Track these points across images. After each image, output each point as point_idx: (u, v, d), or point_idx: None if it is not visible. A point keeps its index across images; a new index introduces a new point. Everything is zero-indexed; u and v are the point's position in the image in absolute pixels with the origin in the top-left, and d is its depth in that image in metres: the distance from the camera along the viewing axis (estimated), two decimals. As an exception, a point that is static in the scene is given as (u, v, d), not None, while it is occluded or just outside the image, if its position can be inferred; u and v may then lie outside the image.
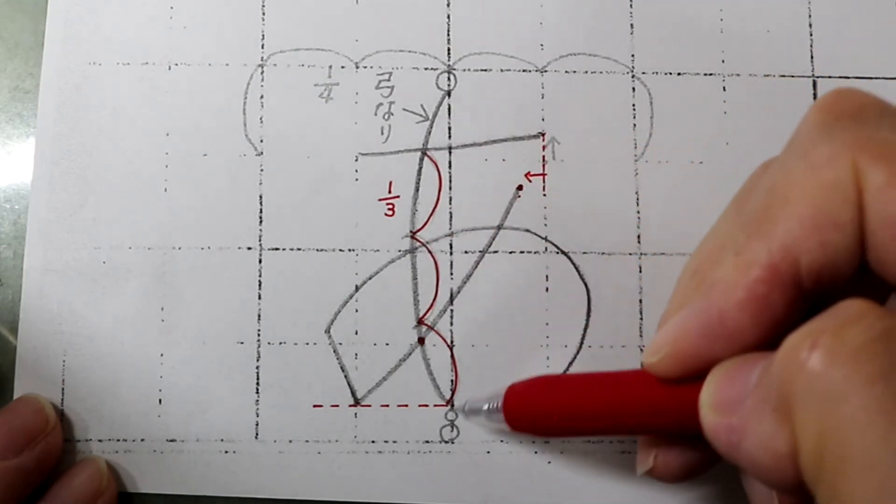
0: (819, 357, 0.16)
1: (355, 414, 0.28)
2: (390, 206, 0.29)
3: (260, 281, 0.29)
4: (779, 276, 0.19)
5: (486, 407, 0.26)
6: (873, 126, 0.19)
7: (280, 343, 0.29)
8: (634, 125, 0.30)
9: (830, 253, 0.19)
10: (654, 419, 0.22)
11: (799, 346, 0.17)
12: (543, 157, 0.30)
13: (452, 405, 0.29)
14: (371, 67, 0.30)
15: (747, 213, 0.20)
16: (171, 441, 0.28)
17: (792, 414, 0.17)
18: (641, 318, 0.29)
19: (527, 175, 0.30)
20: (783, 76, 0.31)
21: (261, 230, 0.29)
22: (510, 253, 0.29)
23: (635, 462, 0.28)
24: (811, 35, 0.31)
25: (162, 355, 0.28)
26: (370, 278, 0.29)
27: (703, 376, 0.20)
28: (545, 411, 0.24)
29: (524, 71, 0.30)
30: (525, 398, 0.25)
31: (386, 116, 0.30)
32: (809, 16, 0.31)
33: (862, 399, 0.16)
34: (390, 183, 0.30)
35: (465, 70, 0.30)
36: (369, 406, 0.29)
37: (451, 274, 0.29)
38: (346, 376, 0.29)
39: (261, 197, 0.29)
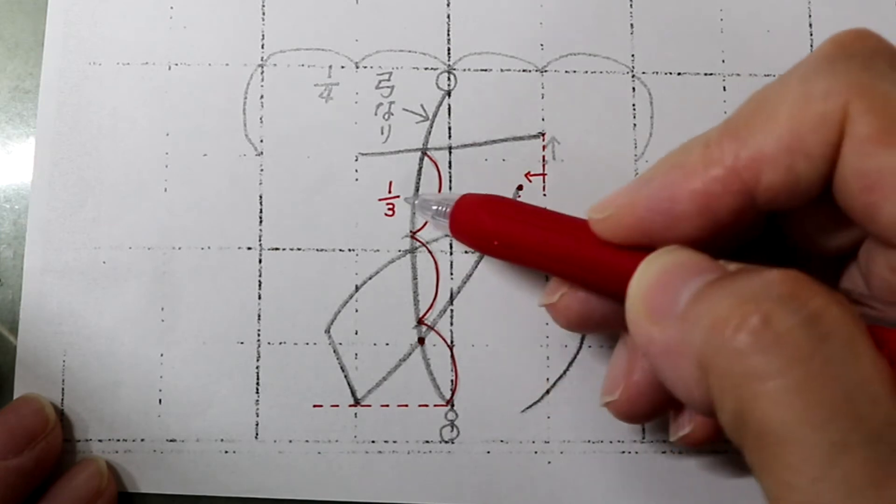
0: (744, 338, 0.17)
1: (355, 414, 0.28)
2: (390, 206, 0.29)
3: (260, 281, 0.29)
4: (736, 181, 0.19)
5: (434, 208, 0.27)
6: (878, 74, 0.19)
7: (280, 343, 0.29)
8: (634, 125, 0.30)
9: (793, 179, 0.19)
10: (583, 272, 0.23)
11: (726, 320, 0.17)
12: (543, 157, 0.30)
13: (452, 405, 0.29)
14: (371, 67, 0.30)
15: (732, 116, 0.20)
16: (171, 441, 0.28)
17: (712, 379, 0.17)
18: (641, 318, 0.29)
19: (527, 175, 0.30)
20: (783, 76, 0.31)
21: (261, 230, 0.29)
22: (510, 253, 0.29)
23: (636, 462, 0.29)
24: (811, 35, 0.31)
25: (162, 355, 0.28)
26: (370, 278, 0.29)
27: (639, 249, 0.21)
28: (488, 232, 0.25)
29: (524, 71, 0.30)
30: (473, 214, 0.26)
31: (386, 116, 0.30)
32: (809, 16, 0.31)
33: (781, 381, 0.16)
34: (390, 183, 0.30)
35: (465, 70, 0.30)
36: (369, 406, 0.29)
37: (451, 274, 0.29)
38: (346, 376, 0.29)
39: (261, 197, 0.29)
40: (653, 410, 0.24)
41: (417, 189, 0.30)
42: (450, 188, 0.30)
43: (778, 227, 0.22)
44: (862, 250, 0.21)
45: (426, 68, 0.30)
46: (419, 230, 0.29)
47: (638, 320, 0.19)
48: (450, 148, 0.30)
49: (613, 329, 0.25)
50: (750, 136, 0.19)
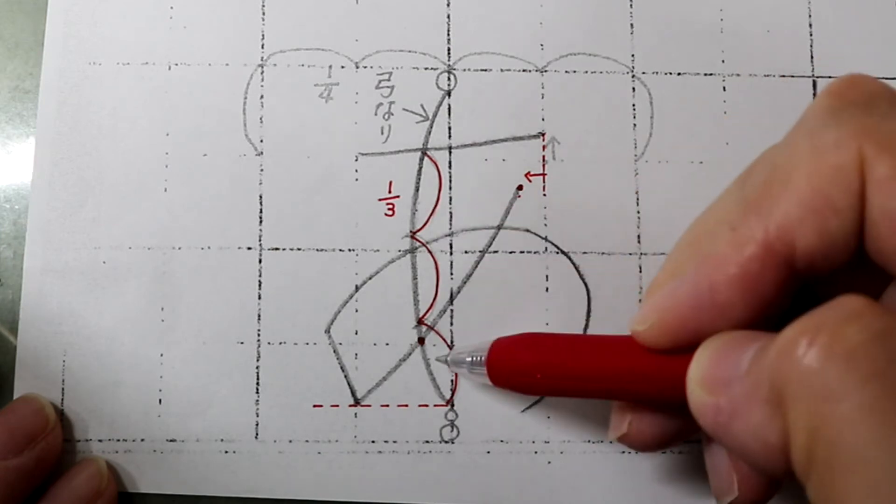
0: (815, 354, 0.16)
1: (355, 414, 0.28)
2: (390, 206, 0.29)
3: (260, 281, 0.29)
4: (773, 255, 0.19)
5: (469, 360, 0.26)
6: (882, 115, 0.19)
7: (280, 343, 0.29)
8: (634, 125, 0.30)
9: (827, 238, 0.19)
10: (637, 386, 0.22)
11: (796, 341, 0.17)
12: (543, 157, 0.30)
13: (452, 405, 0.29)
14: (371, 67, 0.30)
15: (748, 189, 0.20)
16: (171, 441, 0.28)
17: (785, 408, 0.17)
18: (641, 318, 0.29)
19: (527, 175, 0.30)
20: (783, 76, 0.31)
21: (261, 230, 0.29)
22: (510, 253, 0.29)
23: (636, 462, 0.29)
24: (811, 35, 0.31)
25: (162, 355, 0.28)
26: (370, 278, 0.29)
27: (690, 348, 0.20)
28: (529, 369, 0.23)
29: (524, 71, 0.30)
30: (509, 354, 0.24)
31: (386, 116, 0.30)
32: (809, 16, 0.31)
33: (856, 398, 0.15)
34: (390, 183, 0.30)
35: (465, 70, 0.30)
36: (369, 406, 0.29)
37: (451, 274, 0.29)
38: (346, 376, 0.29)
39: (261, 197, 0.29)
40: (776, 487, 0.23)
41: (417, 189, 0.30)
42: (450, 188, 0.30)
43: (811, 295, 0.21)
44: (885, 297, 0.21)
45: (426, 68, 0.30)
46: (419, 230, 0.29)
47: (701, 401, 0.19)
48: (450, 148, 0.30)
49: (694, 435, 0.24)
50: (774, 206, 0.19)
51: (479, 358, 0.26)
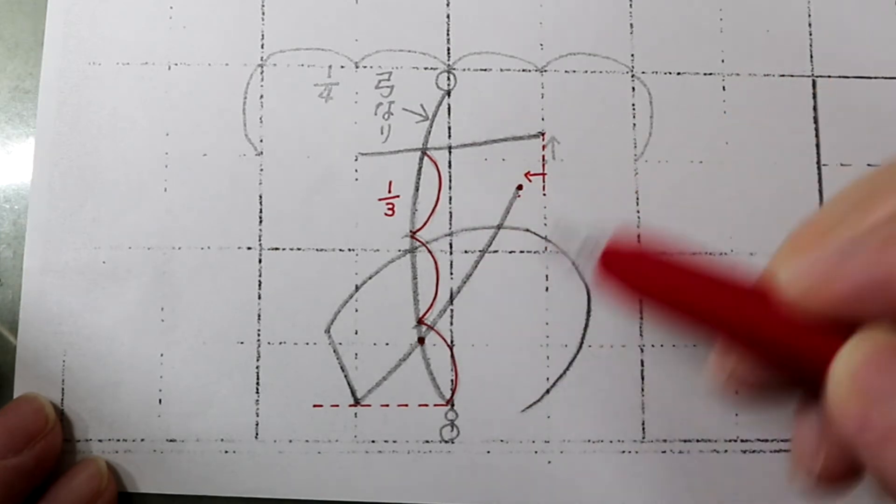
0: None
1: (355, 414, 0.28)
2: (390, 206, 0.29)
3: (260, 281, 0.29)
4: None
5: (580, 244, 0.22)
6: None
7: (280, 343, 0.29)
8: (634, 125, 0.30)
9: None
10: (763, 347, 0.19)
11: None
12: (543, 156, 0.30)
13: (452, 405, 0.29)
14: (371, 67, 0.30)
15: None
16: (171, 441, 0.28)
17: None
18: (641, 318, 0.29)
19: (527, 175, 0.30)
20: (783, 76, 0.31)
21: (261, 230, 0.29)
22: (510, 253, 0.29)
23: (636, 462, 0.28)
24: (811, 35, 0.31)
25: (162, 355, 0.28)
26: (370, 278, 0.29)
27: (836, 325, 0.18)
28: (647, 288, 0.20)
29: (524, 71, 0.30)
30: (633, 265, 0.21)
31: (386, 116, 0.30)
32: (809, 16, 0.31)
33: None
34: (390, 183, 0.30)
35: (464, 70, 0.30)
36: (369, 406, 0.29)
37: (451, 274, 0.29)
38: (346, 376, 0.29)
39: (261, 197, 0.29)
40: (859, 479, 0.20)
41: (417, 189, 0.30)
42: (450, 188, 0.30)
43: None
44: None
45: (426, 68, 0.30)
46: (419, 230, 0.29)
47: (846, 403, 0.17)
48: (450, 147, 0.30)
49: (793, 400, 0.21)
50: None
51: (591, 247, 0.21)
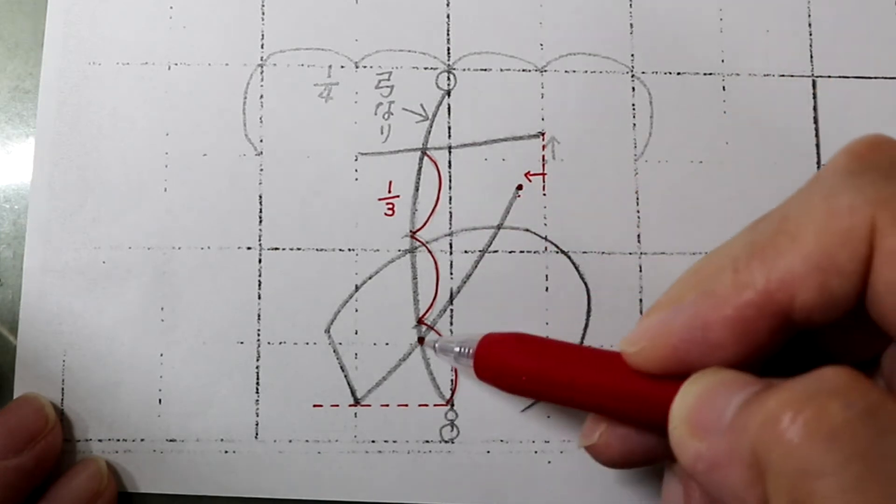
0: (799, 430, 0.16)
1: (355, 414, 0.28)
2: (390, 206, 0.29)
3: (260, 281, 0.29)
4: (771, 304, 0.19)
5: (457, 349, 0.26)
6: None
7: (280, 343, 0.29)
8: (634, 125, 0.30)
9: (827, 296, 0.19)
10: (619, 404, 0.22)
11: (780, 413, 0.17)
12: (543, 156, 0.30)
13: (452, 405, 0.29)
14: (371, 67, 0.30)
15: (756, 234, 0.20)
16: (171, 441, 0.28)
17: (765, 477, 0.17)
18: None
19: (527, 175, 0.30)
20: (783, 76, 0.31)
21: (261, 230, 0.29)
22: (510, 252, 0.29)
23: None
24: (811, 35, 0.31)
25: (162, 355, 0.28)
26: (370, 278, 0.29)
27: (677, 377, 0.20)
28: (515, 370, 0.24)
29: (524, 71, 0.30)
30: (498, 352, 0.24)
31: (386, 116, 0.30)
32: (809, 15, 0.31)
33: (838, 477, 0.16)
34: (390, 183, 0.30)
35: (464, 70, 0.30)
36: (369, 406, 0.29)
37: (451, 274, 0.29)
38: (346, 376, 0.29)
39: (261, 197, 0.29)
40: None
41: (417, 189, 0.30)
42: (450, 188, 0.30)
43: (804, 336, 0.21)
44: (886, 359, 0.21)
45: (426, 68, 0.30)
46: (419, 230, 0.29)
47: (682, 441, 0.19)
48: (449, 147, 0.30)
49: (658, 462, 0.24)
50: (779, 257, 0.19)
51: (467, 350, 0.26)
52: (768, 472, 0.17)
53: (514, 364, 0.24)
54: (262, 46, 0.30)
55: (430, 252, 0.29)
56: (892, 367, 0.21)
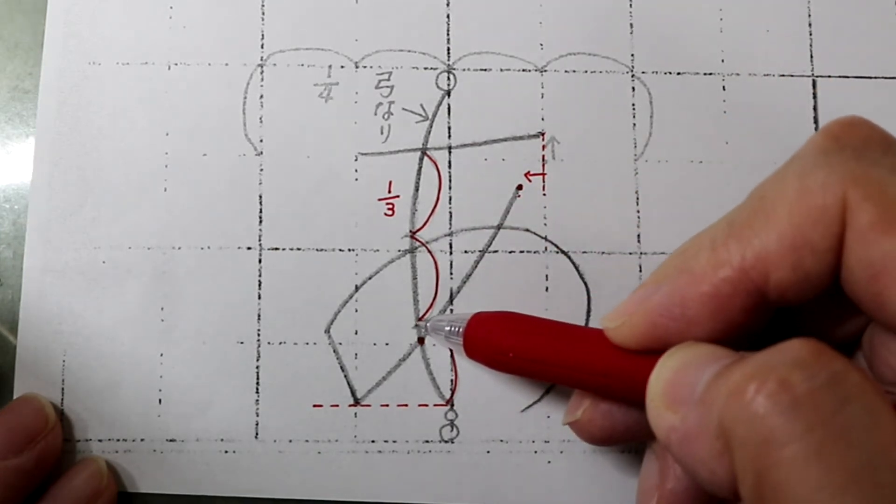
0: (762, 400, 0.16)
1: (355, 414, 0.28)
2: (390, 206, 0.29)
3: (260, 281, 0.29)
4: (745, 281, 0.20)
5: (447, 328, 0.27)
6: (873, 163, 0.19)
7: (280, 343, 0.29)
8: (634, 125, 0.30)
9: (801, 275, 0.19)
10: (601, 379, 0.23)
11: (744, 385, 0.17)
12: (543, 156, 0.30)
13: (452, 405, 0.29)
14: (371, 67, 0.30)
15: (733, 215, 0.21)
16: (171, 441, 0.28)
17: (732, 448, 0.17)
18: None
19: (527, 175, 0.30)
20: (783, 76, 0.31)
21: (261, 230, 0.29)
22: (510, 253, 0.29)
23: (636, 462, 0.28)
24: (811, 35, 0.31)
25: (162, 355, 0.28)
26: (370, 278, 0.29)
27: (656, 351, 0.21)
28: (503, 347, 0.24)
29: (524, 71, 0.30)
30: (487, 330, 0.25)
31: (386, 116, 0.30)
32: (809, 15, 0.31)
33: (801, 445, 0.16)
34: (390, 183, 0.30)
35: (464, 70, 0.30)
36: (369, 406, 0.29)
37: (451, 274, 0.29)
38: (346, 376, 0.29)
39: (261, 197, 0.29)
40: None
41: (417, 189, 0.30)
42: (449, 188, 0.30)
43: (785, 316, 0.22)
44: (865, 337, 0.21)
45: (426, 68, 0.30)
46: (419, 230, 0.29)
47: (658, 414, 0.20)
48: (449, 148, 0.30)
49: (639, 440, 0.25)
50: (753, 235, 0.19)
51: (457, 329, 0.26)
52: (734, 442, 0.17)
53: (501, 341, 0.24)
54: (262, 46, 0.30)
55: (430, 252, 0.29)
56: (872, 345, 0.21)
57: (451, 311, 0.29)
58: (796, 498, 0.16)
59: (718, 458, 0.18)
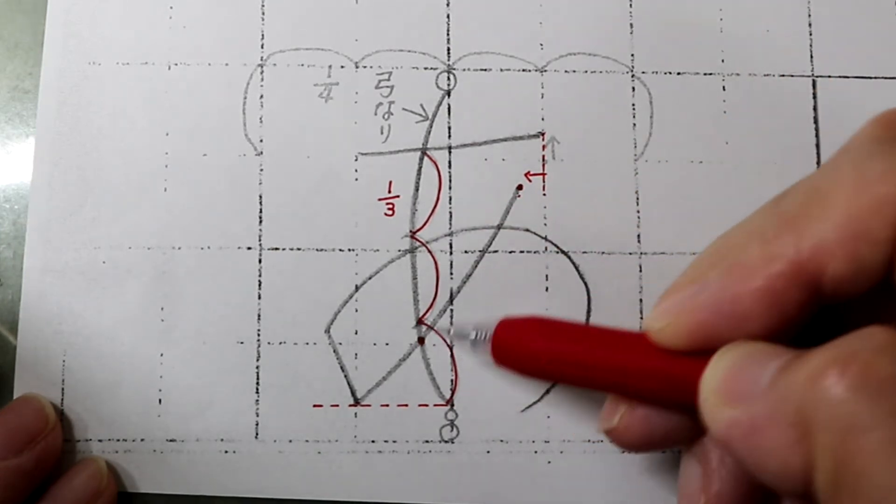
0: (846, 384, 0.16)
1: (355, 414, 0.28)
2: (390, 206, 0.29)
3: (260, 281, 0.29)
4: (801, 274, 0.19)
5: (473, 336, 0.25)
6: None
7: (280, 343, 0.29)
8: (634, 125, 0.30)
9: (858, 265, 0.19)
10: (644, 384, 0.22)
11: (826, 369, 0.17)
12: (543, 156, 0.30)
13: (452, 405, 0.29)
14: (371, 67, 0.30)
15: (784, 205, 0.20)
16: (171, 441, 0.28)
17: (811, 435, 0.17)
18: (641, 318, 0.29)
19: (527, 175, 0.30)
20: (783, 76, 0.31)
21: (261, 230, 0.29)
22: (510, 253, 0.29)
23: (636, 462, 0.28)
24: (811, 35, 0.31)
25: (162, 355, 0.28)
26: (370, 278, 0.29)
27: (703, 353, 0.20)
28: (536, 353, 0.23)
29: (524, 71, 0.30)
30: (517, 336, 0.24)
31: (386, 116, 0.30)
32: (809, 16, 0.31)
33: (885, 431, 0.16)
34: (390, 183, 0.30)
35: (464, 70, 0.30)
36: (369, 406, 0.29)
37: (451, 274, 0.29)
38: (346, 376, 0.29)
39: (261, 197, 0.29)
40: None
41: (417, 189, 0.30)
42: (450, 188, 0.30)
43: (827, 312, 0.21)
44: None
45: (426, 68, 0.30)
46: (419, 230, 0.29)
47: (715, 409, 0.19)
48: (449, 147, 0.30)
49: (678, 446, 0.24)
50: (810, 225, 0.19)
51: (483, 335, 0.25)
52: (814, 428, 0.17)
53: (535, 347, 0.23)
54: (262, 46, 0.30)
55: (430, 252, 0.29)
56: None
57: (452, 311, 0.29)
58: (879, 486, 0.15)
59: (794, 447, 0.17)
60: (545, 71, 0.30)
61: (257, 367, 0.28)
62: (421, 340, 0.29)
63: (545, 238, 0.29)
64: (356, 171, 0.30)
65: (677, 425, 0.23)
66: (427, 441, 0.28)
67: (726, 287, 0.20)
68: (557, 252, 0.29)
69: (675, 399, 0.21)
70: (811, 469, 0.17)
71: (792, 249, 0.19)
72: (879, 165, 0.19)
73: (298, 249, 0.29)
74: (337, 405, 0.28)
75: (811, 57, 0.31)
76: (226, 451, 0.28)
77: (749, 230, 0.20)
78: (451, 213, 0.29)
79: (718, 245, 0.21)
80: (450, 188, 0.30)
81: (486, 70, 0.30)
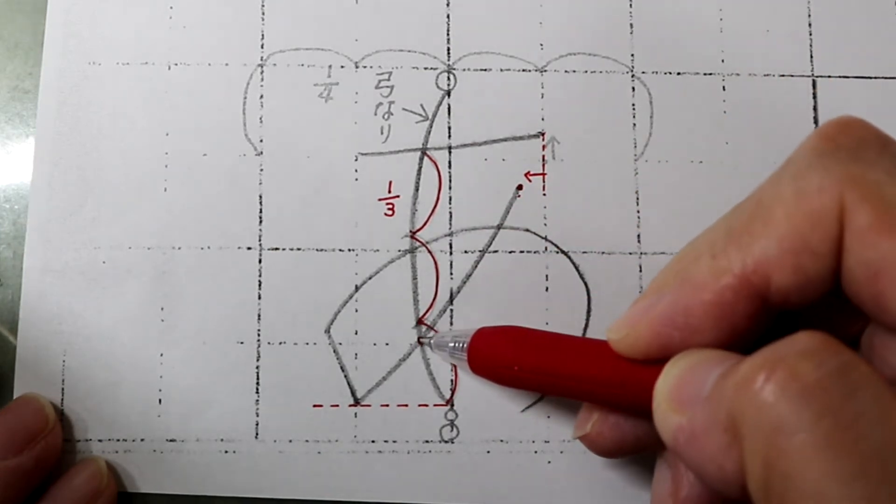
0: (771, 389, 0.17)
1: (355, 414, 0.28)
2: (390, 206, 0.29)
3: (260, 281, 0.29)
4: (747, 287, 0.20)
5: (451, 344, 0.27)
6: (869, 163, 0.19)
7: (280, 343, 0.29)
8: (634, 125, 0.30)
9: (802, 278, 0.19)
10: (608, 391, 0.23)
11: (753, 375, 0.17)
12: (543, 156, 0.30)
13: (452, 405, 0.29)
14: (371, 67, 0.30)
15: (731, 221, 0.21)
16: (171, 441, 0.28)
17: (741, 439, 0.17)
18: (641, 318, 0.29)
19: (527, 175, 0.30)
20: (783, 76, 0.31)
21: (261, 230, 0.29)
22: (510, 252, 0.29)
23: (636, 462, 0.29)
24: (811, 35, 0.31)
25: (162, 355, 0.28)
26: (370, 278, 0.29)
27: (661, 360, 0.21)
28: (507, 361, 0.24)
29: (524, 71, 0.30)
30: (491, 345, 0.25)
31: (386, 116, 0.30)
32: (809, 15, 0.31)
33: (810, 434, 0.16)
34: (390, 183, 0.30)
35: (464, 70, 0.30)
36: (369, 406, 0.29)
37: (451, 274, 0.29)
38: (346, 376, 0.29)
39: (261, 197, 0.29)
40: None
41: (417, 189, 0.30)
42: (450, 188, 0.30)
43: (787, 319, 0.22)
44: (865, 337, 0.21)
45: (426, 68, 0.30)
46: (419, 230, 0.29)
47: (664, 417, 0.20)
48: (449, 148, 0.30)
49: (650, 451, 0.25)
50: (754, 241, 0.19)
51: (461, 344, 0.26)
52: (743, 433, 0.17)
53: (506, 356, 0.24)
54: (262, 46, 0.30)
55: (430, 252, 0.29)
56: (871, 346, 0.21)
57: (451, 311, 0.29)
58: (805, 487, 0.16)
59: (726, 452, 0.18)
60: (545, 71, 0.30)
61: (257, 367, 0.28)
62: (421, 340, 0.29)
63: (545, 238, 0.29)
64: (356, 171, 0.30)
65: (647, 432, 0.23)
66: (427, 441, 0.28)
67: (678, 300, 0.21)
68: (557, 252, 0.29)
69: (638, 406, 0.22)
70: (744, 474, 0.17)
71: (738, 264, 0.20)
72: (817, 179, 0.19)
73: (298, 249, 0.29)
74: (337, 405, 0.28)
75: (811, 57, 0.31)
76: (226, 451, 0.28)
77: (701, 245, 0.21)
78: (451, 213, 0.29)
79: (677, 257, 0.22)
80: (450, 188, 0.30)
81: (486, 70, 0.30)
